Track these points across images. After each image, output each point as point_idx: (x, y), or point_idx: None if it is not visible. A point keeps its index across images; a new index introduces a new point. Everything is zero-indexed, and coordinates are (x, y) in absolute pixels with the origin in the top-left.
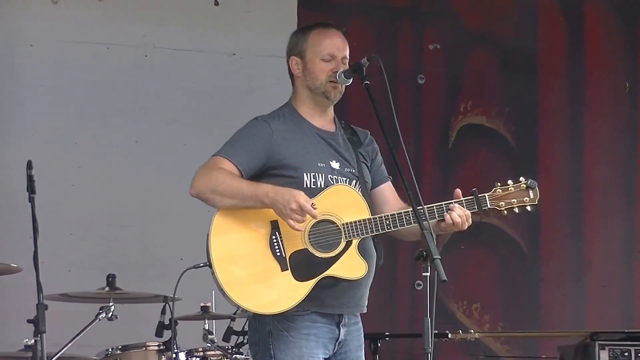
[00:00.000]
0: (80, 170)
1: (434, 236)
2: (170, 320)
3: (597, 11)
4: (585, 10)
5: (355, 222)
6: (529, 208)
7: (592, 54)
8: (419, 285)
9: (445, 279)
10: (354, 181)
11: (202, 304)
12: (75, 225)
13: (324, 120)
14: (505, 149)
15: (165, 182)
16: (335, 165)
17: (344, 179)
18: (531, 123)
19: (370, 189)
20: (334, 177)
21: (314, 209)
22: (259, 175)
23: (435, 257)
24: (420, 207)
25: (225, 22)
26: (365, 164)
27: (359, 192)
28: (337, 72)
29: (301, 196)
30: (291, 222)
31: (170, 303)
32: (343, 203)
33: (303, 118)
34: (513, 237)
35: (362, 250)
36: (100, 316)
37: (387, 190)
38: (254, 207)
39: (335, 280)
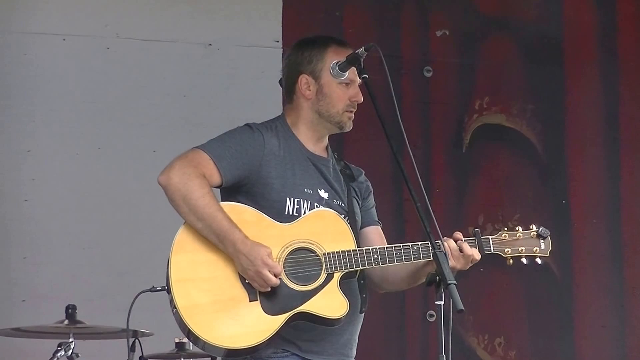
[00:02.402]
0: (34, 183)
1: (449, 260)
2: (140, 359)
3: None
4: None
5: (338, 252)
6: (538, 260)
7: (626, 39)
8: (431, 316)
9: (463, 308)
10: (343, 215)
11: (177, 340)
12: (30, 248)
13: (318, 147)
14: (529, 152)
15: (134, 196)
16: (323, 194)
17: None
18: (559, 122)
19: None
20: (321, 206)
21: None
22: (236, 189)
23: (450, 282)
24: (438, 241)
25: (200, 8)
26: (356, 199)
27: (346, 221)
28: (355, 100)
29: (269, 268)
30: (256, 284)
31: (140, 339)
32: (326, 230)
33: (296, 139)
34: None
35: (345, 291)
36: (59, 354)
37: (375, 235)
38: (214, 243)
39: (312, 324)
